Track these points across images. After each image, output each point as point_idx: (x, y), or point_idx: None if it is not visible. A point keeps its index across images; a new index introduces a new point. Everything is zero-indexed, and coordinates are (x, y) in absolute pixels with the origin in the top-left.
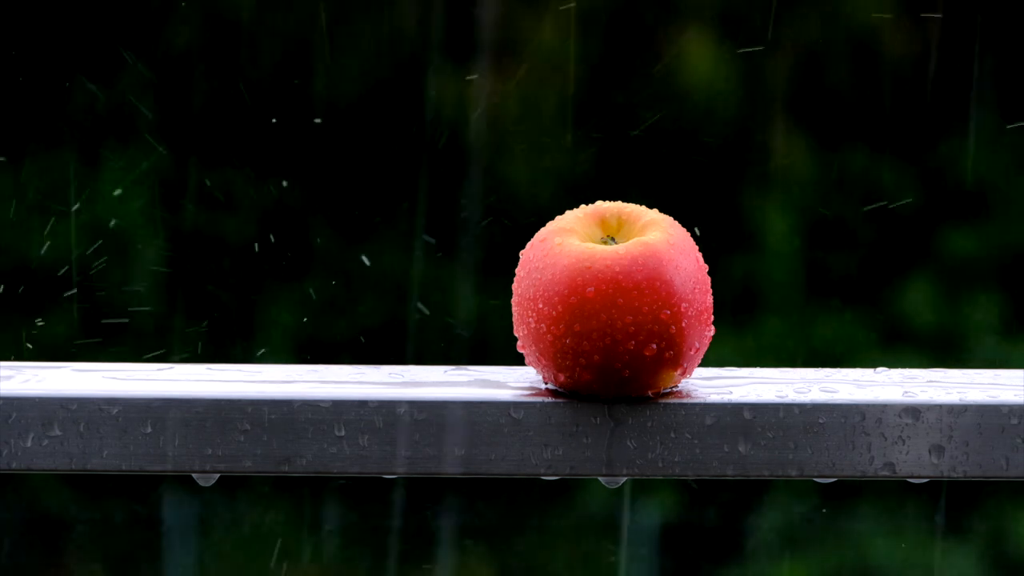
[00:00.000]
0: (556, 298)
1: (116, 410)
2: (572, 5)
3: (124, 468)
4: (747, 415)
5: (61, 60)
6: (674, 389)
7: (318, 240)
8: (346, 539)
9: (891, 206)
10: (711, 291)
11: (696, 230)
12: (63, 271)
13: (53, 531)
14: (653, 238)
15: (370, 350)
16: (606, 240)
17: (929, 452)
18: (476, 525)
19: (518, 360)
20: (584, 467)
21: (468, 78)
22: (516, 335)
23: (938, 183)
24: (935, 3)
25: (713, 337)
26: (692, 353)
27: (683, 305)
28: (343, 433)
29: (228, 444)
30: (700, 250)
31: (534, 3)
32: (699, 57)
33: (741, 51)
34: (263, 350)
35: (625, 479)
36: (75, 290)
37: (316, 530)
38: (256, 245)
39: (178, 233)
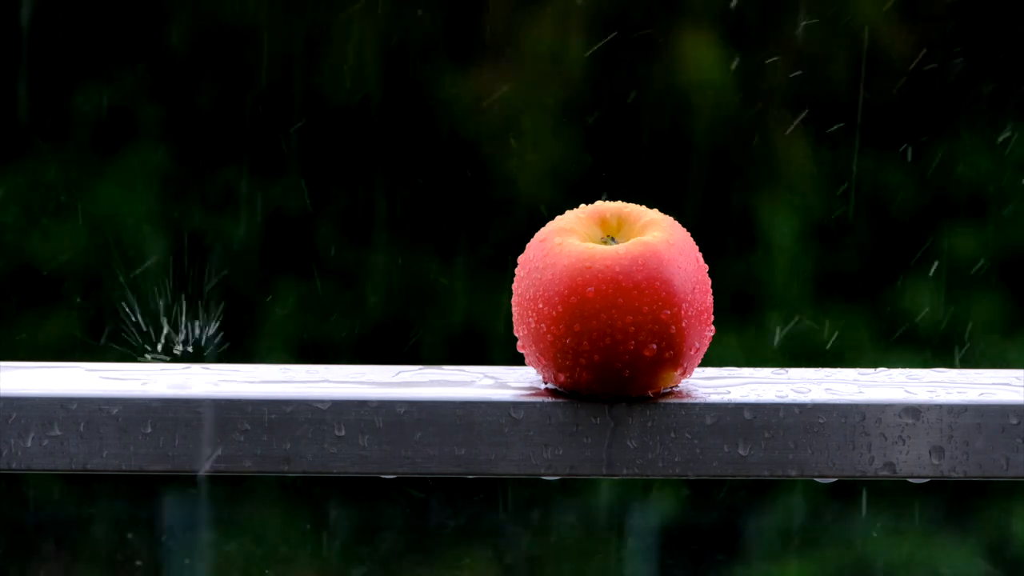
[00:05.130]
0: (556, 298)
1: (116, 410)
2: (573, 4)
3: (124, 468)
4: (747, 415)
5: (63, 60)
6: (674, 389)
7: (319, 240)
8: (346, 539)
9: (891, 206)
10: (711, 291)
11: (696, 230)
12: (64, 271)
13: (53, 531)
14: (653, 238)
15: (371, 350)
16: (606, 240)
17: (929, 452)
18: (477, 525)
19: (518, 360)
20: (584, 467)
21: (469, 78)
22: (516, 335)
23: (938, 183)
24: (935, 2)
25: (713, 337)
26: (692, 353)
27: (683, 305)
28: (343, 433)
29: (228, 444)
30: (700, 250)
31: (535, 3)
32: (699, 57)
33: (741, 50)
34: (264, 350)
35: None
36: (76, 290)
37: (316, 530)
38: (257, 245)
39: (180, 233)
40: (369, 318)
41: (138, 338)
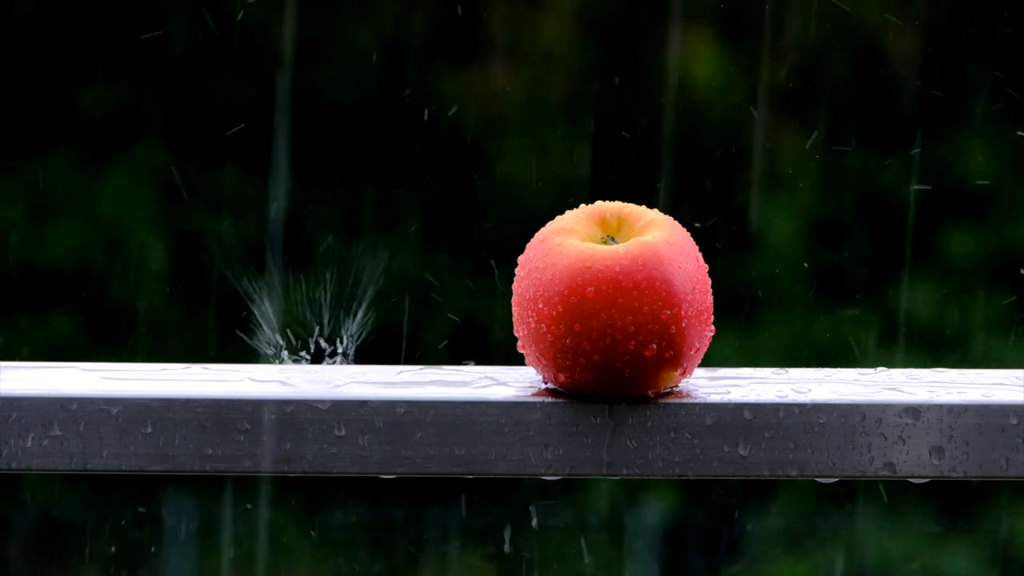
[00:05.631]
0: (556, 298)
1: (116, 410)
2: (573, 4)
3: (124, 468)
4: (747, 415)
5: (63, 60)
6: (674, 389)
7: (319, 240)
8: (346, 539)
9: (891, 205)
10: (711, 291)
11: (696, 230)
12: (64, 271)
13: (54, 531)
14: (653, 238)
15: (370, 350)
16: (606, 240)
17: (929, 452)
18: (476, 525)
19: (518, 360)
20: (584, 467)
21: (468, 78)
22: (516, 335)
23: (938, 183)
24: (936, 2)
25: (713, 337)
26: (692, 353)
27: (683, 305)
28: (343, 433)
29: (228, 444)
30: (700, 250)
31: (534, 2)
32: (699, 57)
33: (741, 51)
34: (264, 350)
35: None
36: (76, 290)
37: (316, 530)
38: (258, 245)
39: (179, 232)
40: (369, 318)
41: (138, 338)
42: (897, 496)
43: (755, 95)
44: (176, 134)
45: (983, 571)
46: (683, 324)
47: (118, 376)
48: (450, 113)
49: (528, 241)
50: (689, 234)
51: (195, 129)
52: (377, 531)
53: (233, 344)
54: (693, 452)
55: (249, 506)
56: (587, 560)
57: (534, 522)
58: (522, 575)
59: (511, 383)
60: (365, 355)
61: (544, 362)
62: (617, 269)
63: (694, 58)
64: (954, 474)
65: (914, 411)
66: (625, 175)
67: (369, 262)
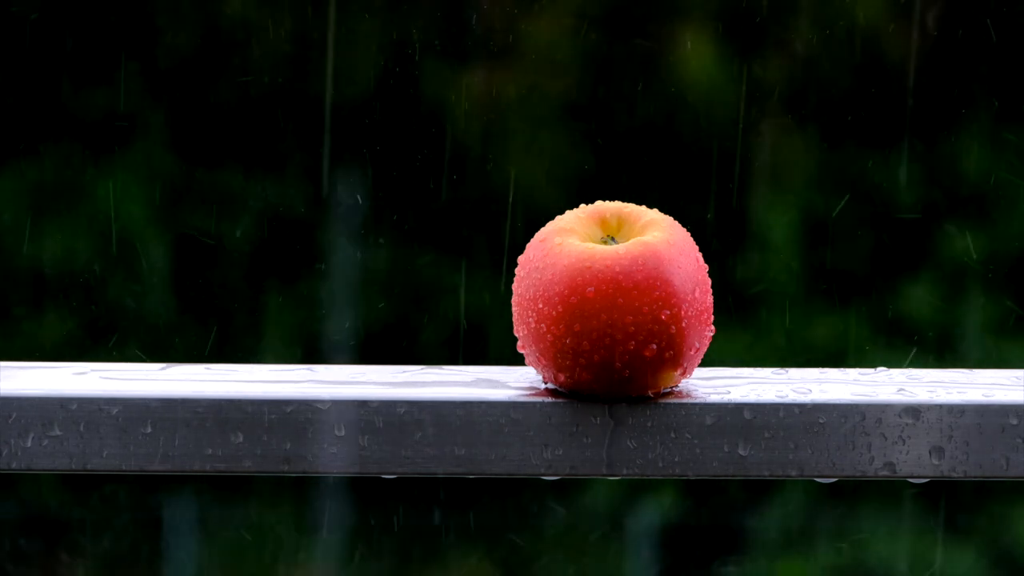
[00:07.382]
0: (556, 298)
1: (116, 410)
2: (573, 4)
3: (124, 468)
4: (747, 415)
5: (64, 61)
6: (674, 389)
7: (319, 240)
8: (346, 539)
9: (891, 205)
10: (711, 291)
11: (696, 230)
12: (64, 271)
13: (53, 531)
14: (653, 238)
15: (371, 350)
16: (606, 240)
17: (929, 452)
18: (476, 525)
19: (518, 360)
20: (584, 467)
21: (468, 77)
22: (516, 335)
23: (938, 183)
24: (935, 2)
25: (713, 337)
26: (692, 353)
27: (683, 305)
28: (343, 433)
29: (228, 444)
30: (700, 250)
31: (535, 2)
32: (699, 56)
33: (741, 50)
34: (264, 350)
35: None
36: (76, 290)
37: (316, 530)
38: (257, 245)
39: (179, 233)
40: (369, 318)
41: (139, 338)
42: (897, 496)
43: (754, 94)
44: (177, 134)
45: (983, 571)
46: (683, 324)
47: (118, 376)
48: (451, 113)
49: (528, 241)
50: (689, 234)
51: (196, 129)
52: (377, 531)
53: (234, 344)
54: (693, 452)
55: (248, 506)
56: (587, 560)
57: (534, 522)
58: (522, 575)
59: (511, 383)
60: (366, 354)
61: (544, 362)
62: (617, 269)
63: (693, 57)
64: (954, 474)
65: (914, 411)
66: (624, 174)
67: (369, 262)
